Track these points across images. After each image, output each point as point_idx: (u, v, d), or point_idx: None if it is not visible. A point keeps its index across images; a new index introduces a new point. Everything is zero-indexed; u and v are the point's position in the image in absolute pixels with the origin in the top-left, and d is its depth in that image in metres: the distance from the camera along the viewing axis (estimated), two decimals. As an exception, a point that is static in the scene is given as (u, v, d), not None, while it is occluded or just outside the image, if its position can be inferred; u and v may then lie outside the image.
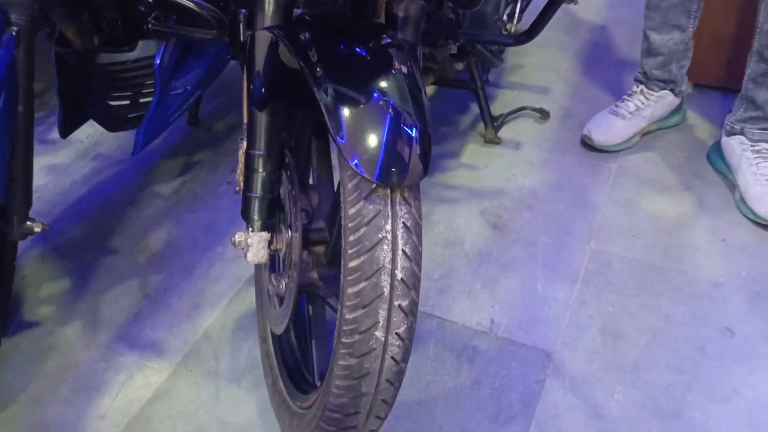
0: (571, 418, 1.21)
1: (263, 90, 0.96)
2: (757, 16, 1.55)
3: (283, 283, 1.04)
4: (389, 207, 0.81)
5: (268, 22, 0.95)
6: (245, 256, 1.01)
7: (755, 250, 1.53)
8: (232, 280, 1.48)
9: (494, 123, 1.89)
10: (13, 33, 1.07)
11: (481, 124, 1.91)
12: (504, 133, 1.92)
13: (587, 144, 1.84)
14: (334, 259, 1.03)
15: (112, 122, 1.51)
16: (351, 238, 0.81)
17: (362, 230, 0.81)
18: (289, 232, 1.01)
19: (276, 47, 0.94)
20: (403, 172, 0.80)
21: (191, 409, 1.23)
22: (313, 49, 0.88)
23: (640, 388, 1.26)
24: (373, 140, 0.80)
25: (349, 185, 0.82)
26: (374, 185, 0.81)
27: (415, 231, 0.82)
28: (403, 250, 0.81)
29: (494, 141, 1.88)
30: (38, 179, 1.75)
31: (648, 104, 1.82)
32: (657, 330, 1.37)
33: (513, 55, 2.27)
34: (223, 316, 1.40)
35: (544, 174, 1.78)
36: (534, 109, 1.98)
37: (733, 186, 1.67)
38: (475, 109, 1.95)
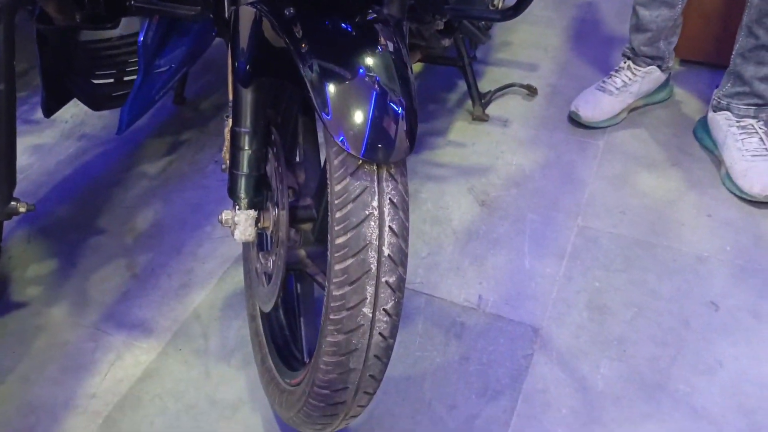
0: (558, 391, 1.23)
1: (248, 66, 0.95)
2: (746, -10, 1.55)
3: (271, 261, 1.04)
4: (376, 183, 0.81)
5: (251, -3, 0.94)
6: (232, 234, 1.01)
7: (740, 224, 1.54)
8: (221, 259, 1.48)
9: (482, 100, 1.89)
10: (-8, 12, 1.05)
11: (469, 102, 1.90)
12: (492, 110, 1.92)
13: (575, 120, 1.84)
14: (322, 237, 1.03)
15: (96, 101, 1.50)
16: (338, 215, 0.81)
17: (349, 207, 0.80)
18: (276, 209, 1.01)
19: (260, 22, 0.93)
20: (389, 148, 0.80)
21: (181, 387, 1.23)
22: (298, 24, 0.87)
23: (625, 361, 1.28)
24: (358, 116, 0.79)
25: (336, 161, 0.82)
26: (360, 161, 0.80)
27: (401, 207, 0.82)
28: (390, 227, 0.81)
29: (482, 118, 1.88)
30: (23, 159, 1.74)
31: (635, 80, 1.82)
32: (642, 304, 1.38)
33: (501, 31, 2.26)
34: (212, 294, 1.40)
35: (532, 151, 1.78)
36: (522, 86, 1.97)
37: (718, 162, 1.68)
38: (462, 86, 1.95)
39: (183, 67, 1.54)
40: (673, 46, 1.82)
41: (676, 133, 1.82)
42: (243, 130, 0.99)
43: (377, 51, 0.86)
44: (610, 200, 1.62)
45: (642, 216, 1.58)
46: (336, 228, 0.81)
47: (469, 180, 1.69)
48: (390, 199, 0.81)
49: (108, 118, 1.84)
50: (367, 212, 0.80)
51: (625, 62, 1.85)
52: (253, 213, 1.00)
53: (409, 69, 0.88)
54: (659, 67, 1.82)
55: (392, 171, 0.82)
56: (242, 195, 1.00)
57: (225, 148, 1.08)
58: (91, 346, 1.30)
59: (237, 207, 1.00)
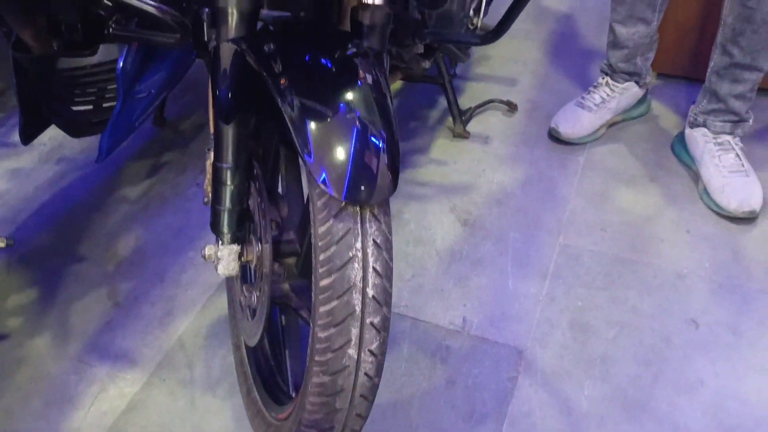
0: (543, 414, 1.24)
1: (229, 103, 0.95)
2: (722, 9, 1.57)
3: (255, 296, 1.04)
4: (359, 224, 0.81)
5: (232, 34, 0.94)
6: (216, 269, 1.00)
7: (718, 241, 1.57)
8: (204, 286, 1.47)
9: (462, 117, 1.90)
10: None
11: (450, 118, 1.91)
12: (472, 126, 1.93)
13: (555, 137, 1.85)
14: (306, 271, 1.03)
15: (75, 128, 1.48)
16: (321, 257, 0.81)
17: (332, 249, 0.81)
18: (260, 244, 1.01)
19: (241, 59, 0.93)
20: (371, 189, 0.80)
21: (167, 419, 1.23)
22: (278, 60, 0.87)
23: (608, 381, 1.29)
24: (340, 158, 0.80)
25: (319, 203, 0.82)
26: (343, 203, 0.81)
27: (385, 247, 0.83)
28: (374, 268, 0.81)
29: (463, 135, 1.89)
30: (1, 184, 1.72)
31: (613, 96, 1.84)
32: (624, 322, 1.40)
33: (480, 46, 2.27)
34: (196, 322, 1.40)
35: (512, 168, 1.79)
36: (502, 102, 1.99)
37: (696, 177, 1.70)
38: (443, 102, 1.96)
39: (163, 92, 1.53)
40: (650, 62, 1.84)
41: (655, 149, 1.84)
42: (225, 165, 0.99)
43: (357, 87, 0.86)
44: (590, 217, 1.64)
45: (622, 233, 1.60)
46: (320, 270, 0.81)
47: (452, 199, 1.70)
48: (374, 239, 0.82)
49: (87, 140, 1.83)
50: (350, 254, 0.81)
51: (603, 78, 1.87)
52: (236, 247, 1.00)
53: (390, 104, 0.88)
54: (637, 83, 1.85)
55: (375, 211, 0.82)
56: (225, 230, 1.00)
57: (207, 181, 1.08)
58: (74, 379, 1.29)
59: (220, 242, 1.00)
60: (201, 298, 1.44)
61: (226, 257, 0.99)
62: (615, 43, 1.80)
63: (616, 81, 1.85)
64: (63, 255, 1.54)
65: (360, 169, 0.80)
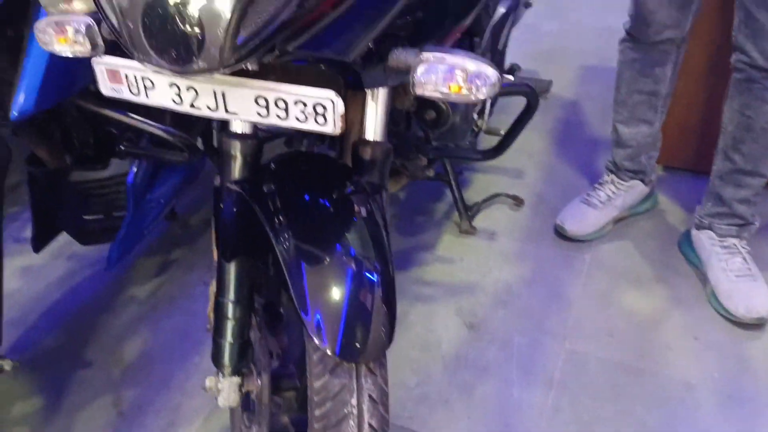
0: None
1: (232, 242, 0.97)
2: (722, 116, 1.59)
3: (255, 428, 1.04)
4: (354, 380, 0.82)
5: (235, 176, 0.97)
6: (216, 400, 1.01)
7: (726, 348, 1.55)
8: (208, 395, 1.47)
9: (468, 213, 1.91)
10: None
11: (456, 212, 1.93)
12: (479, 221, 1.95)
13: (561, 233, 1.86)
14: (305, 405, 1.03)
15: (85, 236, 1.51)
16: (317, 413, 0.81)
17: (327, 405, 0.81)
18: (260, 377, 1.01)
19: (242, 200, 0.95)
20: (366, 346, 0.80)
21: None
22: (276, 200, 0.90)
23: (616, 504, 1.26)
24: (334, 312, 0.81)
25: (315, 357, 0.83)
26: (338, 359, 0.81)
27: (381, 401, 0.83)
28: (369, 424, 0.82)
29: (469, 231, 1.90)
30: (11, 283, 1.75)
31: (619, 193, 1.85)
32: (632, 438, 1.37)
33: (486, 135, 2.30)
34: (199, 434, 1.39)
35: (518, 266, 1.79)
36: (508, 196, 2.00)
37: (704, 279, 1.69)
38: (449, 195, 1.97)
39: (173, 200, 1.57)
40: (654, 160, 1.86)
41: (661, 246, 1.84)
42: (227, 300, 1.00)
43: (354, 231, 0.89)
44: (597, 320, 1.63)
45: (629, 338, 1.58)
46: (315, 426, 0.81)
47: (458, 300, 1.70)
48: (369, 395, 0.82)
49: (99, 236, 1.86)
50: (345, 411, 0.81)
51: (608, 175, 1.89)
52: (236, 379, 1.00)
53: (386, 239, 0.90)
54: (642, 180, 1.86)
55: (371, 366, 0.83)
56: (226, 363, 1.01)
57: (210, 307, 1.09)
58: (74, 496, 1.28)
59: (220, 374, 1.01)
60: (205, 408, 1.44)
61: (226, 389, 1.00)
62: (618, 142, 1.82)
63: (621, 179, 1.86)
64: (70, 359, 1.55)
65: (354, 325, 0.81)
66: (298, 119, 0.82)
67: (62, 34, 0.91)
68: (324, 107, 0.80)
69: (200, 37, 0.70)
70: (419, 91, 0.80)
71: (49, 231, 1.51)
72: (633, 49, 1.66)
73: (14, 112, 1.09)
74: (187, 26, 0.70)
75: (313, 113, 0.80)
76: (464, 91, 0.79)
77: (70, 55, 0.91)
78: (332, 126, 0.81)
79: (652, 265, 1.78)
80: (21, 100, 1.08)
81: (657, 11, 1.55)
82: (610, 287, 1.72)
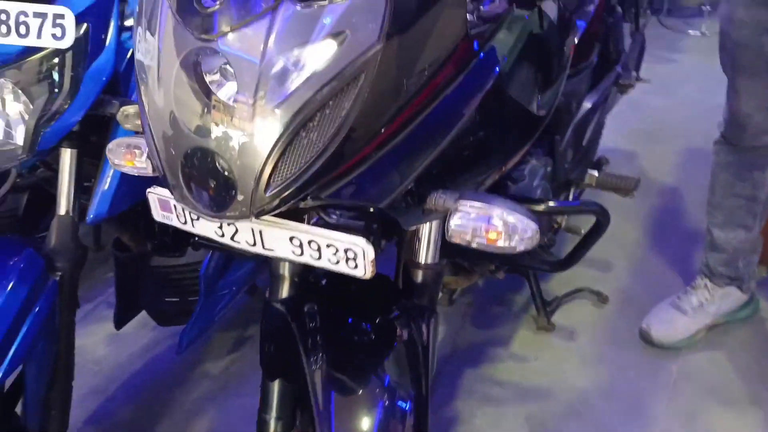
0: None
1: (275, 361, 0.98)
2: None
3: None
4: None
5: (281, 296, 0.98)
6: None
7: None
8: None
9: (547, 308, 1.83)
10: (57, 279, 1.14)
11: (534, 306, 1.86)
12: (558, 317, 1.86)
13: (646, 339, 1.74)
14: None
15: (163, 318, 1.58)
16: None
17: None
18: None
19: (285, 322, 0.96)
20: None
21: None
22: (317, 323, 0.91)
23: None
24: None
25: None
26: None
27: None
28: None
29: (546, 328, 1.82)
30: (99, 350, 1.85)
31: (712, 301, 1.72)
32: None
33: (574, 220, 2.21)
34: None
35: (597, 373, 1.69)
36: (592, 291, 1.91)
37: (807, 405, 1.53)
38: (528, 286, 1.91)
39: (244, 287, 1.61)
40: (754, 266, 1.71)
41: (759, 360, 1.68)
42: (269, 417, 1.01)
43: (392, 354, 0.88)
44: (680, 443, 1.50)
45: (715, 468, 1.44)
46: None
47: (528, 406, 1.62)
48: None
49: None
50: None
51: (701, 279, 1.76)
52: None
53: (427, 368, 0.88)
54: (739, 287, 1.72)
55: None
56: (268, 479, 1.01)
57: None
58: None
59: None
60: (258, 501, 1.44)
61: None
62: (713, 246, 1.69)
63: (715, 284, 1.73)
64: (141, 433, 1.61)
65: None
66: (330, 261, 0.82)
67: (129, 156, 0.96)
68: (355, 253, 0.79)
69: (233, 187, 0.72)
70: (454, 240, 0.78)
71: (131, 310, 1.59)
72: (729, 151, 1.56)
73: (90, 215, 1.16)
74: (221, 176, 0.73)
75: (344, 257, 0.80)
76: (500, 243, 0.76)
77: (135, 174, 0.97)
78: (363, 270, 0.80)
79: (748, 383, 1.63)
80: (96, 204, 1.15)
81: (754, 115, 1.45)
82: (699, 406, 1.58)
